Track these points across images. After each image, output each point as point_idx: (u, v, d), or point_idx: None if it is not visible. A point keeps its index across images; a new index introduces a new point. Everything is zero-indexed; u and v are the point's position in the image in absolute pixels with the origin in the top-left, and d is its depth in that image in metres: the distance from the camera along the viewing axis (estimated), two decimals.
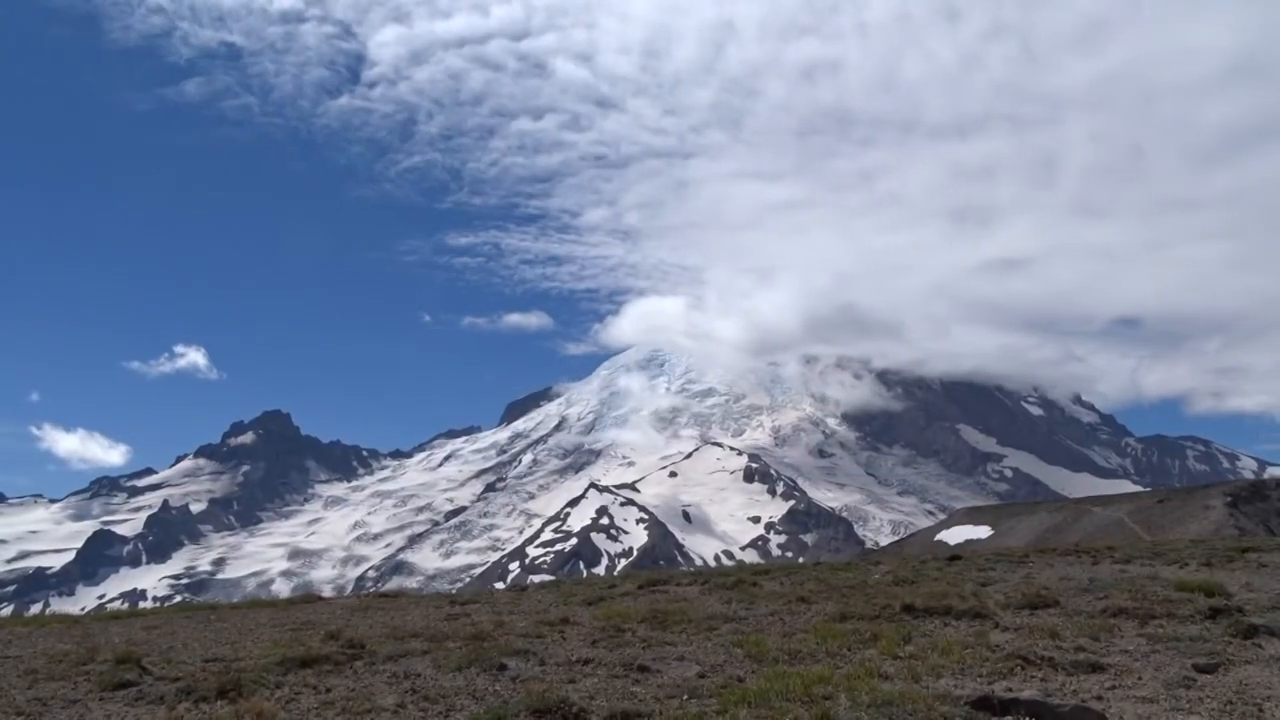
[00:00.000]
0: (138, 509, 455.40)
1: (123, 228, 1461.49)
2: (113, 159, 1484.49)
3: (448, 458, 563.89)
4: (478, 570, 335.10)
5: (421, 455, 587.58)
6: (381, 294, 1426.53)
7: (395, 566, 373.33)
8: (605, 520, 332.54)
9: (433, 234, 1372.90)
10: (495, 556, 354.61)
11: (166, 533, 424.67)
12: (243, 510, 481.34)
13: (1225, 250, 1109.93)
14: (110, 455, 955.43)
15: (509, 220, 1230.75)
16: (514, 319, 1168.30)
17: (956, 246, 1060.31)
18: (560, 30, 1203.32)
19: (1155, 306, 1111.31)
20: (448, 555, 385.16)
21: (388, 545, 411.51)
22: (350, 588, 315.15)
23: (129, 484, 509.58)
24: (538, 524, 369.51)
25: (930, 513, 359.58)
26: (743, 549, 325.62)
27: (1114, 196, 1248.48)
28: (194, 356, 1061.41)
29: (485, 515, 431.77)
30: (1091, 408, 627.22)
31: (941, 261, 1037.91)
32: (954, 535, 77.50)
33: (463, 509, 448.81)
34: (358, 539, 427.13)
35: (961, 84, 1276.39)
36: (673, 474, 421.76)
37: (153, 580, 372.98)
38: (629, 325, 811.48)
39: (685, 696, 9.03)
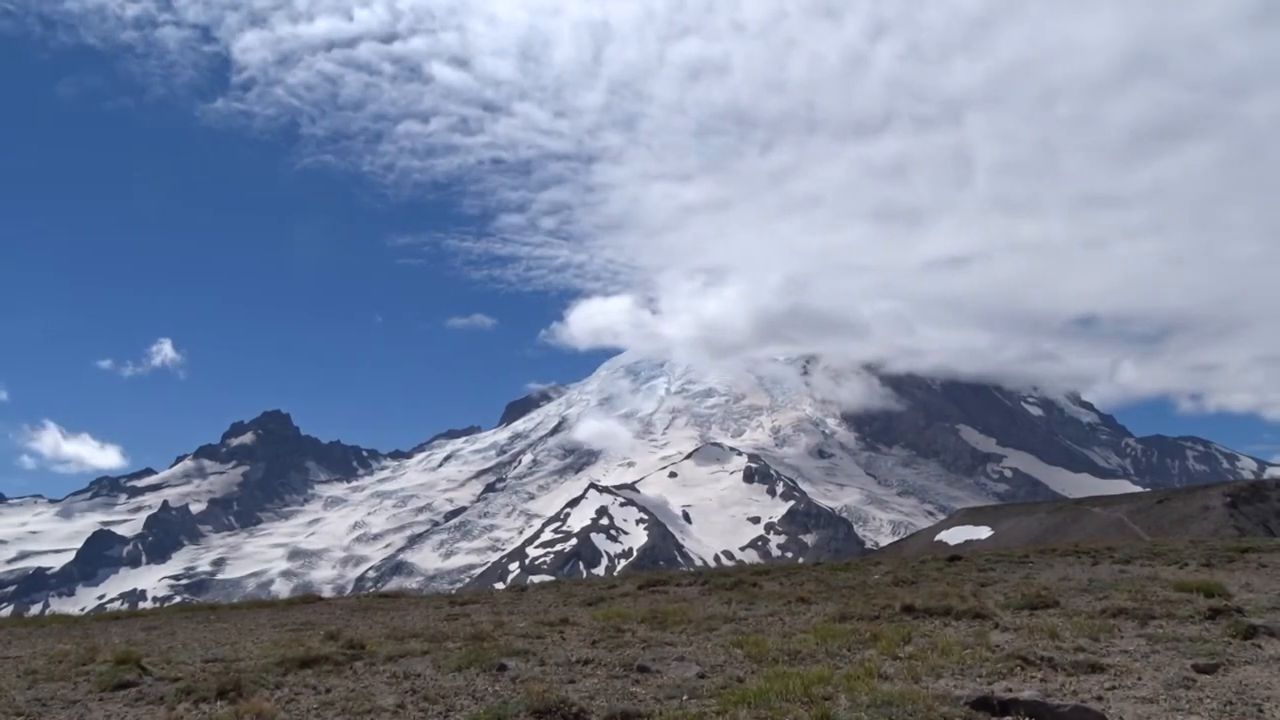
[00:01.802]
0: (137, 509, 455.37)
1: (83, 227, 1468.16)
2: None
3: (447, 458, 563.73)
4: (477, 570, 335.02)
5: (421, 455, 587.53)
6: (380, 294, 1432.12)
7: (395, 567, 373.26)
8: (605, 520, 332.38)
9: (381, 235, 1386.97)
10: (495, 557, 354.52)
11: (166, 533, 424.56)
12: (242, 510, 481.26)
13: (1162, 248, 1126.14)
14: (99, 457, 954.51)
15: (448, 222, 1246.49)
16: (467, 321, 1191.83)
17: (892, 246, 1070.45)
18: (429, 34, 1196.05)
19: (1109, 305, 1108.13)
20: (447, 555, 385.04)
21: (387, 545, 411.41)
22: (350, 588, 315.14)
23: (129, 484, 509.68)
24: (537, 524, 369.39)
25: (930, 513, 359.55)
26: (742, 549, 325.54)
27: (1033, 193, 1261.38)
28: (171, 356, 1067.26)
29: (485, 515, 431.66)
30: (1091, 408, 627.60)
31: (882, 261, 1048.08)
32: (954, 536, 77.46)
33: (462, 509, 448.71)
34: (357, 539, 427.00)
35: (852, 83, 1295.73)
36: (673, 474, 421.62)
37: (152, 580, 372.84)
38: (576, 328, 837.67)
39: (685, 697, 9.03)
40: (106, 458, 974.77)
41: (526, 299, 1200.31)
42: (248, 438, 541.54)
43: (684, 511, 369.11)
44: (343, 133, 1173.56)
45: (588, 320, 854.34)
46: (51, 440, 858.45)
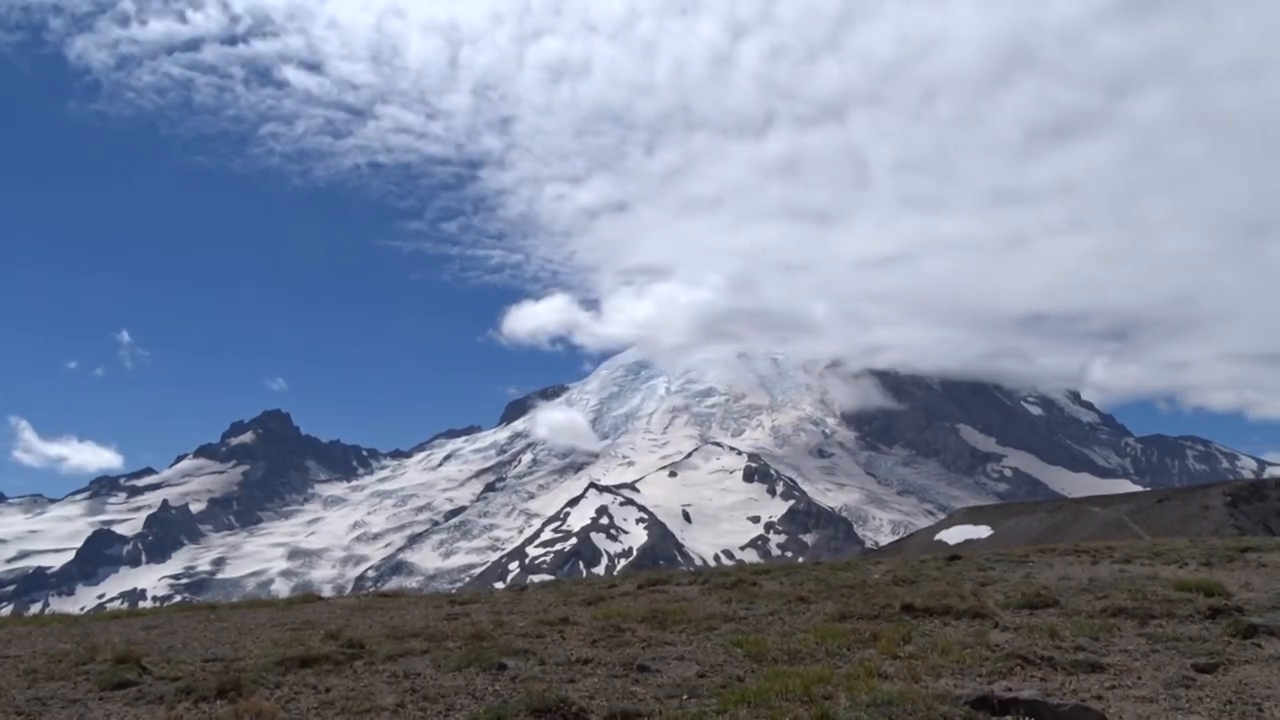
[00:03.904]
0: (137, 509, 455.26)
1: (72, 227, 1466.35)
2: None
3: (447, 457, 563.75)
4: (477, 570, 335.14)
5: (421, 455, 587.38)
6: (381, 293, 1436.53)
7: (395, 566, 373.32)
8: (605, 520, 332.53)
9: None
10: (495, 556, 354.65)
11: (166, 532, 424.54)
12: (242, 510, 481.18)
13: (1090, 245, 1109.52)
14: (99, 457, 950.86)
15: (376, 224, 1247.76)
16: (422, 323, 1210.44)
17: (813, 246, 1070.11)
18: (272, 37, 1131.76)
19: (1054, 303, 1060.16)
20: (447, 555, 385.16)
21: (387, 545, 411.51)
22: (350, 587, 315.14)
23: (128, 484, 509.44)
24: (537, 524, 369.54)
25: (930, 512, 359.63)
26: (742, 549, 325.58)
27: (938, 192, 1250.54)
28: (144, 353, 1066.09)
29: (485, 515, 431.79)
30: (1091, 407, 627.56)
31: (811, 260, 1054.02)
32: (954, 535, 77.54)
33: (462, 509, 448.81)
34: (357, 539, 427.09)
35: (723, 83, 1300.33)
36: (672, 474, 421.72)
37: (152, 580, 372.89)
38: (519, 327, 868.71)
39: (685, 696, 9.03)
40: (105, 458, 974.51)
41: (482, 297, 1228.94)
42: (248, 437, 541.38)
43: (684, 511, 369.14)
44: (205, 135, 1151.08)
45: (529, 320, 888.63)
46: (36, 441, 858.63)
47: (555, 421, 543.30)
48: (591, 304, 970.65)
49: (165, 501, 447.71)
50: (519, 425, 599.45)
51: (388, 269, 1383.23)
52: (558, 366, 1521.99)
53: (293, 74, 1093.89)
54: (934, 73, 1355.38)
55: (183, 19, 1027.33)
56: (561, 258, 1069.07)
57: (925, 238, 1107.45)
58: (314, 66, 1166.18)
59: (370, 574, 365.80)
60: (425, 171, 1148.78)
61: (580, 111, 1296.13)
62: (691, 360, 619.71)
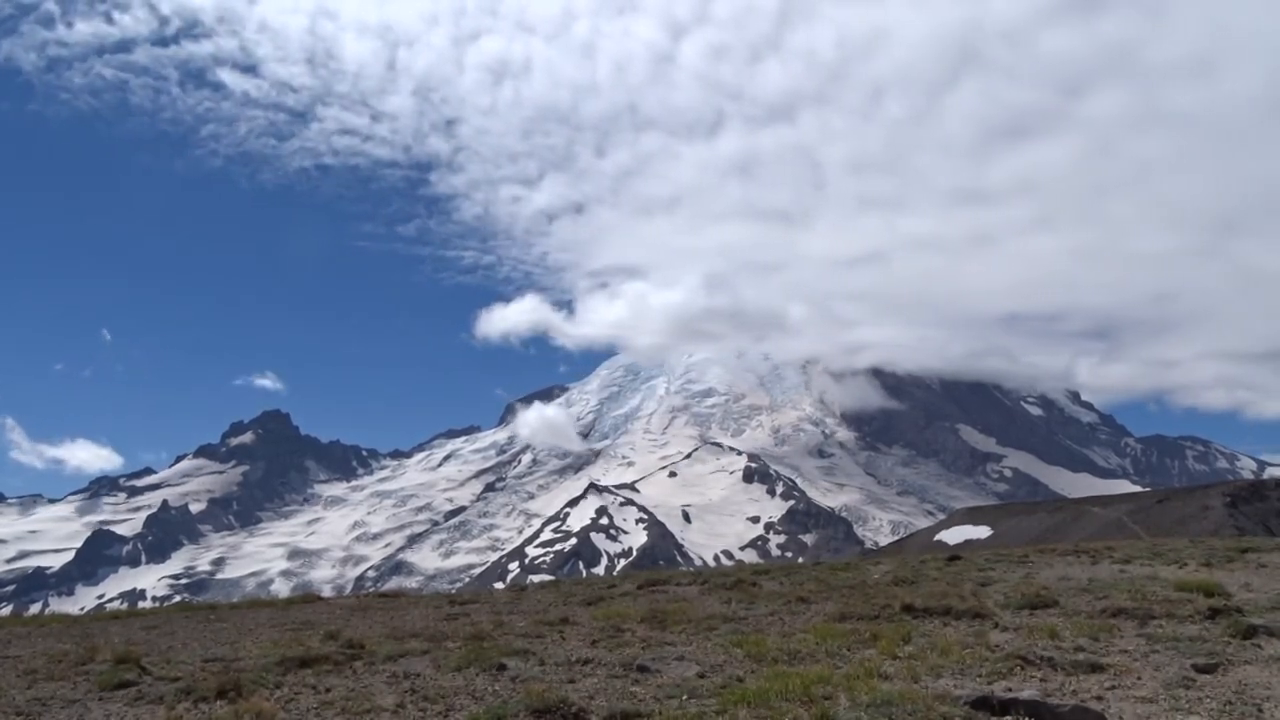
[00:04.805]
0: (137, 509, 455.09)
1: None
2: None
3: (447, 458, 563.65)
4: (477, 570, 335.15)
5: (421, 455, 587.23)
6: (374, 293, 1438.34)
7: (395, 566, 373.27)
8: (605, 520, 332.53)
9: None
10: (495, 556, 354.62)
11: (166, 533, 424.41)
12: (242, 510, 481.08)
13: (1060, 245, 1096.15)
14: (98, 457, 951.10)
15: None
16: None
17: (780, 246, 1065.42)
18: (202, 39, 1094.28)
19: (1030, 303, 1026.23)
20: (447, 555, 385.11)
21: (387, 545, 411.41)
22: (350, 588, 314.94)
23: (128, 484, 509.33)
24: (537, 524, 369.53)
25: (930, 513, 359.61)
26: (742, 549, 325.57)
27: (898, 192, 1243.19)
28: (142, 353, 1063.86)
29: (485, 515, 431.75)
30: (1090, 407, 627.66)
31: (780, 259, 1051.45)
32: (953, 535, 77.53)
33: (462, 509, 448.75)
34: (357, 539, 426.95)
35: (667, 84, 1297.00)
36: (672, 474, 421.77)
37: (152, 580, 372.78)
38: (493, 329, 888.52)
39: (685, 696, 9.03)
40: (105, 458, 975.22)
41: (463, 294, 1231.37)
42: (247, 437, 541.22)
43: (684, 511, 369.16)
44: (143, 138, 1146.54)
45: (501, 323, 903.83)
46: (28, 443, 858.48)
47: (534, 421, 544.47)
48: (565, 304, 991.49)
49: (165, 502, 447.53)
50: (518, 425, 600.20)
51: (371, 270, 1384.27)
52: (556, 367, 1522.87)
53: (228, 76, 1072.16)
54: (879, 73, 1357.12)
55: (109, 20, 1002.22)
56: (533, 259, 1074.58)
57: (891, 237, 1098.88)
58: (249, 69, 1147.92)
59: (370, 574, 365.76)
60: (375, 174, 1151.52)
61: (525, 112, 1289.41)
62: (690, 360, 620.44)
